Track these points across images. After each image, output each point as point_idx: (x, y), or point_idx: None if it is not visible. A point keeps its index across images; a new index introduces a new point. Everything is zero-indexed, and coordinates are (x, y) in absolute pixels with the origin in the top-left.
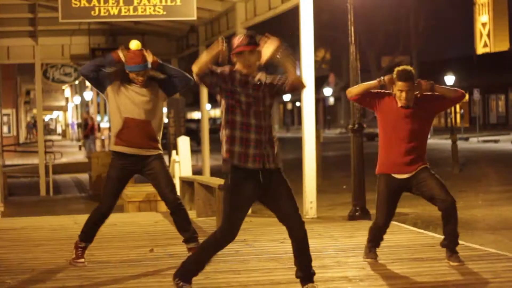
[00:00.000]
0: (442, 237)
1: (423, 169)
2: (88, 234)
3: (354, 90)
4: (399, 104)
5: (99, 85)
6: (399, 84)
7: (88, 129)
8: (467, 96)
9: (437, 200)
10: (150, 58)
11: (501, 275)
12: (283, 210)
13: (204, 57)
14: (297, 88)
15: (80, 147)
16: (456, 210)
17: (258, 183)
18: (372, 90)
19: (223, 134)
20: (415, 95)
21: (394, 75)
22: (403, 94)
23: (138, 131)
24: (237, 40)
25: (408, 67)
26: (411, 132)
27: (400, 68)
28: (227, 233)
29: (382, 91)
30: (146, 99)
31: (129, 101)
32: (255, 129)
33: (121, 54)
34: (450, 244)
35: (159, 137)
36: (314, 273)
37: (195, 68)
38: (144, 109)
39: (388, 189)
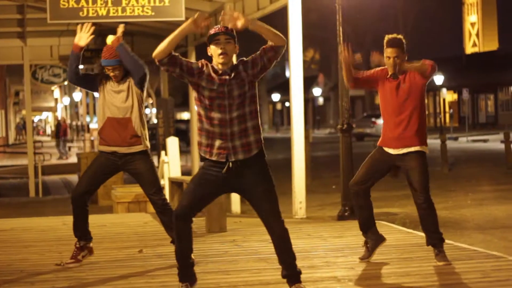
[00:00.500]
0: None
1: (416, 156)
2: (76, 231)
3: (344, 78)
4: (388, 75)
5: (89, 87)
6: (387, 51)
7: (60, 132)
8: (456, 96)
9: (413, 194)
10: (111, 38)
11: (490, 275)
12: (258, 204)
13: (166, 40)
14: (278, 46)
15: (69, 148)
16: (428, 208)
17: (222, 174)
18: (366, 72)
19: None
20: (405, 69)
21: (384, 43)
22: (391, 61)
23: (117, 129)
24: (213, 29)
25: (398, 35)
26: (398, 105)
27: (390, 35)
28: (179, 211)
29: (377, 69)
30: (122, 95)
31: (108, 98)
32: (219, 122)
33: (77, 38)
34: (431, 241)
35: (143, 133)
36: (300, 272)
37: (154, 52)
38: (122, 106)
39: (376, 156)
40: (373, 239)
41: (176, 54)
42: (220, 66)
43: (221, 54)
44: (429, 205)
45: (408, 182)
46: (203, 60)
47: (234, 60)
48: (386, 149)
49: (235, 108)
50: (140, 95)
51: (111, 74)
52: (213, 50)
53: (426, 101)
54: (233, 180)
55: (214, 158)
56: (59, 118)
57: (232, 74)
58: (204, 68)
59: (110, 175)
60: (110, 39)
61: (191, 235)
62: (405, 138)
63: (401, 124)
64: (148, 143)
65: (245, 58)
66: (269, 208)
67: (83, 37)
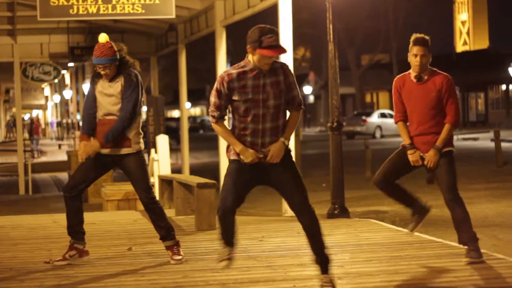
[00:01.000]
0: (420, 234)
1: (443, 155)
2: (69, 227)
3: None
4: (412, 76)
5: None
6: (414, 49)
7: (33, 130)
8: None
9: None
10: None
11: (478, 272)
12: (288, 196)
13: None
14: None
15: (59, 146)
16: (456, 206)
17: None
18: (398, 103)
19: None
20: (431, 70)
21: (411, 41)
22: (417, 59)
23: (106, 131)
24: (268, 39)
25: (426, 36)
26: (427, 109)
27: (417, 34)
28: (226, 207)
29: (395, 83)
30: (113, 98)
31: (99, 99)
32: (251, 132)
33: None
34: (461, 240)
35: (134, 133)
36: (328, 261)
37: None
38: (112, 108)
39: (401, 154)
40: (418, 210)
41: (222, 114)
42: (265, 67)
43: (262, 64)
44: (457, 203)
45: (436, 180)
46: (220, 77)
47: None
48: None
49: (271, 119)
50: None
51: (102, 72)
52: (262, 55)
53: None
54: (264, 172)
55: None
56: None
57: (267, 71)
58: (232, 83)
59: (103, 171)
60: (101, 37)
61: (235, 222)
62: (432, 143)
63: (429, 122)
64: (141, 145)
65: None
66: (298, 200)
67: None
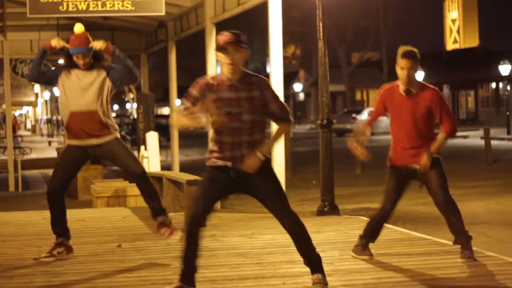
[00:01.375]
0: (410, 232)
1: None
2: (54, 226)
3: (357, 152)
4: (401, 89)
5: (50, 83)
6: (402, 62)
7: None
8: None
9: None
10: (99, 44)
11: (468, 270)
12: (267, 204)
13: (183, 124)
14: None
15: (49, 143)
16: (450, 208)
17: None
18: (376, 110)
19: None
20: (420, 84)
21: (398, 54)
22: (405, 72)
23: (84, 122)
24: (222, 36)
25: (414, 49)
26: (415, 123)
27: (405, 47)
28: (194, 215)
29: (382, 92)
30: (88, 84)
31: (73, 88)
32: (230, 147)
33: (54, 41)
34: (457, 241)
35: (110, 121)
36: (320, 261)
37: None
38: (87, 95)
39: (395, 175)
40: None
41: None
42: (229, 76)
43: (230, 64)
44: (451, 205)
45: (427, 187)
46: (196, 84)
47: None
48: (398, 166)
49: (247, 132)
50: (111, 88)
51: (81, 62)
52: (221, 59)
53: None
54: (241, 182)
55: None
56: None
57: (241, 85)
58: (204, 91)
59: (82, 164)
60: (77, 27)
61: (201, 238)
62: (422, 153)
63: (417, 142)
64: (117, 133)
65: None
66: (280, 209)
67: (59, 42)
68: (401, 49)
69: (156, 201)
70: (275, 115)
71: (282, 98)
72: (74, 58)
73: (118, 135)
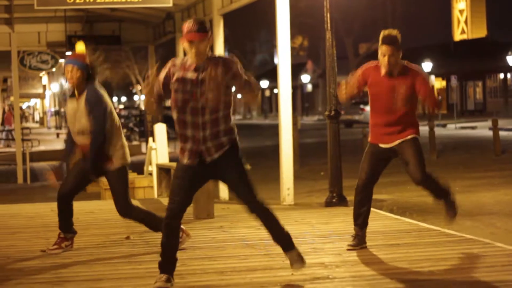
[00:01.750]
0: (418, 223)
1: (410, 140)
2: (61, 224)
3: (343, 96)
4: (383, 72)
5: None
6: (382, 48)
7: (5, 120)
8: (444, 83)
9: (411, 176)
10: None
11: (477, 261)
12: (235, 188)
13: (145, 98)
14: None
15: (58, 135)
16: (428, 183)
17: (198, 174)
18: (355, 82)
19: None
20: (402, 66)
21: (379, 39)
22: (385, 58)
23: (84, 155)
24: (187, 26)
25: (394, 31)
26: (394, 105)
27: (386, 31)
28: (173, 208)
29: (364, 68)
30: (80, 111)
31: (71, 115)
32: (191, 125)
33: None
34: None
35: (117, 148)
36: (289, 238)
37: (148, 111)
38: (80, 126)
39: (372, 151)
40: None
41: (158, 92)
42: (193, 59)
43: (195, 55)
44: (430, 180)
45: (405, 164)
46: (165, 67)
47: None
48: (380, 144)
49: (209, 112)
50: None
51: (68, 75)
52: (187, 48)
53: None
54: (210, 170)
55: (185, 161)
56: (3, 104)
57: (206, 66)
58: (171, 71)
59: (91, 181)
60: (79, 45)
61: (180, 231)
62: (400, 133)
63: (396, 123)
64: (123, 160)
65: (229, 59)
66: (245, 196)
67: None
68: (382, 34)
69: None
70: (243, 88)
71: (288, 90)
72: (65, 73)
73: (127, 161)
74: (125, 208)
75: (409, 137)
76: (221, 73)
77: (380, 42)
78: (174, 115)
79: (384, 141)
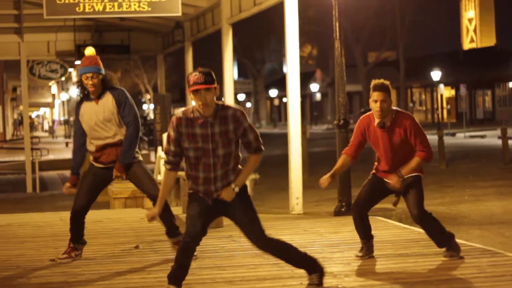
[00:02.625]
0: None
1: (411, 178)
2: (73, 235)
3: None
4: (375, 123)
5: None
6: (374, 95)
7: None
8: (453, 92)
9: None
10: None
11: (486, 270)
12: (241, 225)
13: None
14: None
15: (67, 144)
16: (428, 223)
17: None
18: (354, 140)
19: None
20: (395, 112)
21: (371, 87)
22: (377, 104)
23: (109, 151)
24: (192, 77)
25: (386, 81)
26: (392, 149)
27: (377, 80)
28: (193, 234)
29: (359, 122)
30: (100, 115)
31: (89, 122)
32: (203, 180)
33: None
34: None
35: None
36: (311, 264)
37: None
38: (103, 125)
39: (374, 181)
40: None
41: (175, 160)
42: (202, 114)
43: (201, 105)
44: (427, 218)
45: (405, 201)
46: (171, 121)
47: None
48: (383, 178)
49: (221, 166)
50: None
51: (89, 83)
52: (194, 100)
53: (423, 96)
54: (219, 207)
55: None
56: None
57: (215, 120)
58: (179, 128)
59: (105, 186)
60: (88, 50)
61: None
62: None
63: (398, 164)
64: (138, 155)
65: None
66: (252, 233)
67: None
68: (373, 82)
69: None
70: (250, 145)
71: (297, 99)
72: (83, 79)
73: (140, 157)
74: (157, 188)
75: (413, 174)
76: (232, 129)
77: (371, 89)
78: (186, 167)
79: (387, 177)
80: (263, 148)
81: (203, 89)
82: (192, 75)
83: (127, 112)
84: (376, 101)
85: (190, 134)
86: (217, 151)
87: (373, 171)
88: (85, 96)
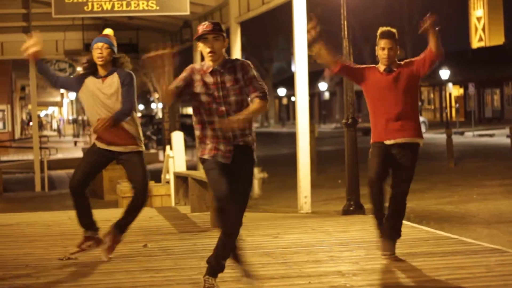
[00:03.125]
0: (435, 231)
1: (412, 148)
2: (81, 221)
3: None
4: (381, 69)
5: (72, 89)
6: (381, 42)
7: None
8: (462, 90)
9: (394, 183)
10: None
11: (495, 269)
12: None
13: (161, 88)
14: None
15: (75, 143)
16: (404, 202)
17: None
18: (354, 64)
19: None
20: (399, 63)
21: (377, 35)
22: (385, 52)
23: (112, 130)
24: (201, 27)
25: (392, 29)
26: (397, 98)
27: (384, 28)
28: (223, 200)
29: (365, 66)
30: (113, 97)
31: (100, 99)
32: (218, 136)
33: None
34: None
35: (137, 134)
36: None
37: (164, 101)
38: (114, 108)
39: (377, 151)
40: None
41: (178, 87)
42: (211, 63)
43: (209, 52)
44: (403, 200)
45: (393, 170)
46: (185, 70)
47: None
48: (383, 142)
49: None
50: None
51: (98, 52)
52: (202, 48)
53: (432, 95)
54: (231, 169)
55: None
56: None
57: (224, 69)
58: (192, 75)
59: (104, 166)
60: (107, 30)
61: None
62: (405, 130)
63: (401, 117)
64: (143, 145)
65: (246, 63)
66: (237, 196)
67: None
68: (380, 29)
69: (129, 219)
70: (255, 91)
71: (306, 98)
72: (94, 52)
73: (143, 148)
74: (146, 188)
75: (415, 140)
76: (241, 76)
77: (378, 37)
78: (198, 118)
79: (389, 137)
80: (268, 98)
81: (212, 36)
82: (201, 25)
83: (125, 93)
84: (383, 49)
85: (202, 81)
86: (228, 98)
87: (372, 140)
88: (92, 72)
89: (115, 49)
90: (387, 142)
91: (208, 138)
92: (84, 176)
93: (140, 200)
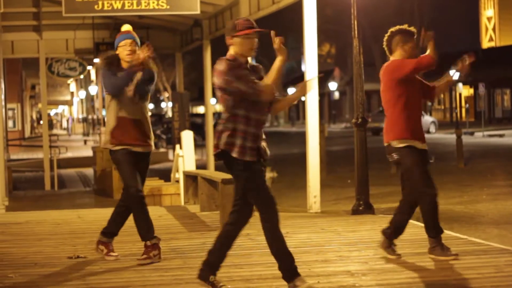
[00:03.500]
0: (445, 231)
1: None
2: (139, 228)
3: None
4: None
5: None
6: (414, 41)
7: None
8: (472, 91)
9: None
10: (145, 51)
11: (504, 270)
12: None
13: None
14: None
15: (85, 142)
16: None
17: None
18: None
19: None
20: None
21: (406, 33)
22: (415, 51)
23: (134, 128)
24: (243, 21)
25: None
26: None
27: (406, 26)
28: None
29: None
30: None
31: (122, 97)
32: (262, 123)
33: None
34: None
35: (150, 134)
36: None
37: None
38: (135, 107)
39: (420, 157)
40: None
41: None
42: (247, 55)
43: (250, 51)
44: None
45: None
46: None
47: None
48: (421, 144)
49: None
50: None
51: (127, 49)
52: (252, 44)
53: (442, 95)
54: None
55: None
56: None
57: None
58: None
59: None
60: (125, 26)
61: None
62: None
63: (420, 119)
64: (152, 144)
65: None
66: None
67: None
68: (407, 28)
69: (120, 224)
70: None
71: (315, 97)
72: (121, 49)
73: (153, 147)
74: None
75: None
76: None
77: (410, 35)
78: (244, 112)
79: (423, 140)
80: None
81: (256, 34)
82: (240, 19)
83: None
84: (414, 48)
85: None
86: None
87: (411, 144)
88: (119, 69)
89: (139, 44)
90: (421, 146)
91: (249, 135)
92: (139, 181)
93: (141, 200)
